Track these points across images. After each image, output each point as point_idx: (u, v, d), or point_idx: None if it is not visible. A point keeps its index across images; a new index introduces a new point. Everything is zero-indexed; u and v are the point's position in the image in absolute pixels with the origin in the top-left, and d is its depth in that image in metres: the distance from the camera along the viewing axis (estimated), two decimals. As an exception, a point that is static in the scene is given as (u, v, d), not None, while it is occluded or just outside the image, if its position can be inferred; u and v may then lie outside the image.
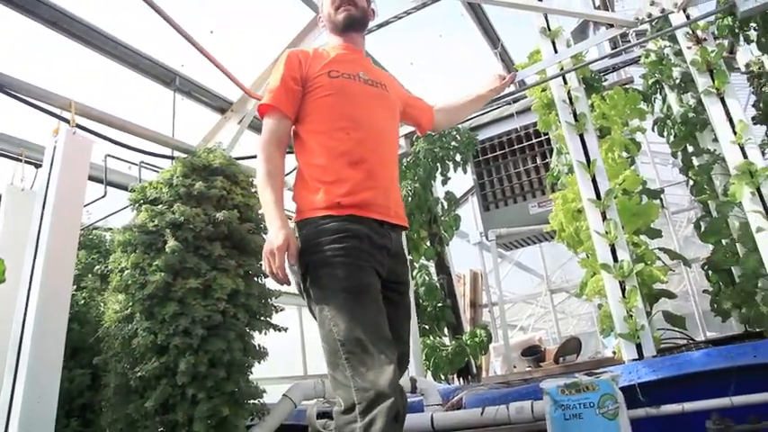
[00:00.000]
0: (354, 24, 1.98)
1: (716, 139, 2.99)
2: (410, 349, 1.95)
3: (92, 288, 3.18)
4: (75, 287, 2.95)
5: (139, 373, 2.45)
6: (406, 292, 1.90)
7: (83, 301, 3.13)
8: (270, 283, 3.19)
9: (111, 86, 4.03)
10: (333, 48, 1.98)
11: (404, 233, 2.31)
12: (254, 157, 4.16)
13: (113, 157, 3.36)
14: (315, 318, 1.66)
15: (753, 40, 3.68)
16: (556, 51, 3.17)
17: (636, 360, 2.56)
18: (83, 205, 2.79)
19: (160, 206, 2.80)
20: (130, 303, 2.61)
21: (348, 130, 1.76)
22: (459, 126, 4.82)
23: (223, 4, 4.26)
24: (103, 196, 3.33)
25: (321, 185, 1.71)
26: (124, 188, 3.21)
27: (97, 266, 3.14)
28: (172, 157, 3.41)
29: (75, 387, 2.85)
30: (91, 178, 2.93)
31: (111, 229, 3.48)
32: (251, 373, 2.79)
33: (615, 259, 2.72)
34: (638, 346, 2.59)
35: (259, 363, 2.86)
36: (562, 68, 3.12)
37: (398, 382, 1.52)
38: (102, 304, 3.04)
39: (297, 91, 1.81)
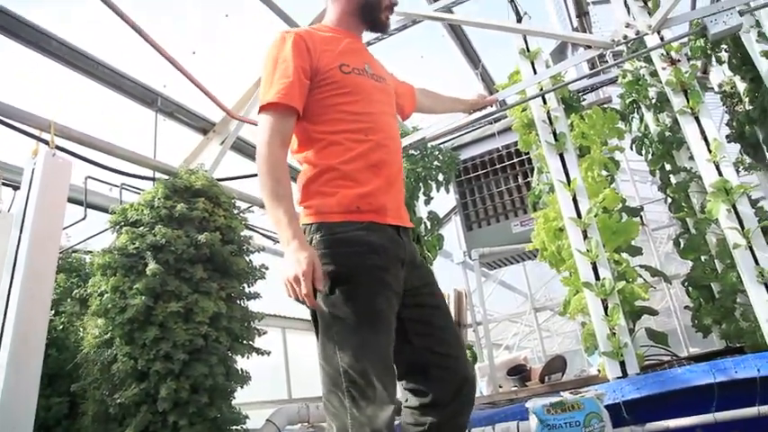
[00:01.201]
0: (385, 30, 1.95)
1: (692, 158, 3.05)
2: (464, 353, 1.76)
3: (70, 313, 3.13)
4: (53, 312, 2.89)
5: (119, 400, 2.40)
6: (436, 292, 1.75)
7: (61, 327, 3.07)
8: (252, 306, 3.17)
9: (93, 107, 4.00)
10: (339, 32, 1.80)
11: None
12: (237, 178, 4.18)
13: (94, 178, 3.33)
14: (316, 333, 1.55)
15: (724, 61, 3.79)
16: (535, 72, 3.22)
17: (620, 378, 2.57)
18: (62, 228, 2.75)
19: (141, 228, 2.78)
20: (110, 328, 2.57)
21: (366, 132, 1.64)
22: (442, 146, 4.86)
23: (206, 25, 4.27)
24: (83, 218, 3.28)
25: (338, 189, 1.58)
26: (105, 210, 3.18)
27: (76, 290, 3.09)
28: (153, 179, 3.38)
29: (51, 416, 2.78)
30: (70, 200, 2.89)
31: (90, 251, 3.44)
32: (234, 397, 2.75)
33: (597, 277, 2.74)
34: (622, 364, 2.60)
35: (242, 387, 2.83)
36: (541, 89, 3.17)
37: (394, 421, 1.44)
38: (80, 329, 2.99)
39: (307, 85, 1.63)
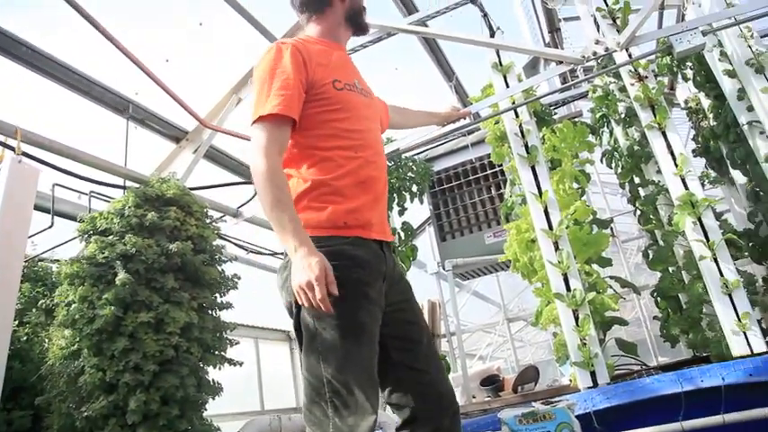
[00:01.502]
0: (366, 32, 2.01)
1: (660, 171, 3.12)
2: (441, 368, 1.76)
3: (35, 323, 3.04)
4: (16, 322, 2.81)
5: (86, 413, 2.34)
6: (414, 307, 1.79)
7: (25, 338, 2.98)
8: (225, 316, 3.13)
9: (61, 114, 3.93)
10: (327, 44, 1.83)
11: None
12: (210, 187, 4.14)
13: (62, 186, 3.26)
14: (300, 343, 1.56)
15: (689, 79, 3.91)
16: (507, 86, 3.28)
17: (591, 388, 2.60)
18: (27, 236, 2.68)
19: (111, 237, 2.73)
20: (77, 339, 2.51)
21: (356, 149, 1.67)
22: (416, 157, 4.89)
23: (180, 33, 4.24)
24: (50, 227, 3.21)
25: (327, 204, 1.60)
26: (73, 218, 3.12)
27: (42, 300, 3.01)
28: (124, 187, 3.33)
29: (13, 430, 2.69)
30: (37, 208, 2.83)
31: (57, 260, 3.36)
32: (205, 409, 2.71)
33: (568, 288, 2.78)
34: (593, 374, 2.63)
35: (213, 399, 2.78)
36: (514, 102, 3.22)
37: (375, 431, 1.46)
38: (46, 340, 2.90)
39: (303, 97, 1.64)
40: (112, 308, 2.49)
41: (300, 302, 1.47)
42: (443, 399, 1.67)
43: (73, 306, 2.56)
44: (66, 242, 3.38)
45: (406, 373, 1.66)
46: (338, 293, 1.46)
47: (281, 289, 1.63)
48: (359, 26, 1.92)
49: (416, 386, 1.65)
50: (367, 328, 1.53)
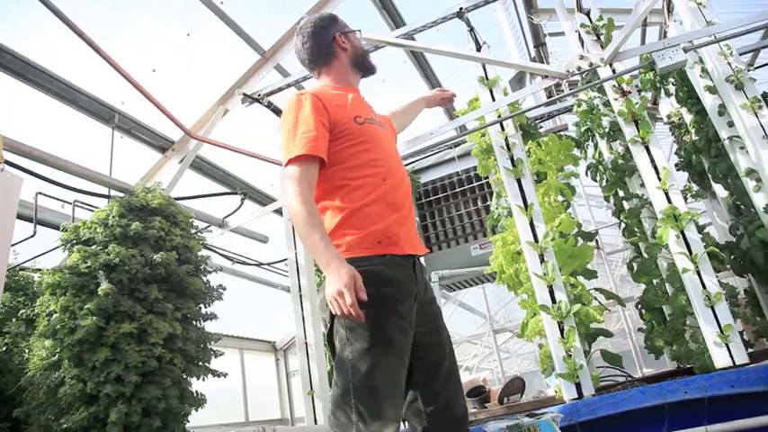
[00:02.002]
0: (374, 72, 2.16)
1: (643, 185, 3.16)
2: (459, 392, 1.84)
3: (15, 333, 2.99)
4: (-4, 333, 2.76)
5: (65, 425, 2.31)
6: (441, 329, 1.88)
7: (4, 348, 2.93)
8: (209, 327, 3.10)
9: (46, 122, 3.89)
10: (341, 88, 2.01)
11: None
12: (196, 197, 4.12)
13: (45, 195, 3.23)
14: (333, 352, 1.70)
15: (672, 94, 3.97)
16: (494, 99, 3.31)
17: (576, 399, 2.61)
18: (10, 245, 2.65)
19: (94, 247, 2.70)
20: (58, 349, 2.48)
21: (383, 175, 1.83)
22: (403, 169, 4.91)
23: (167, 44, 4.24)
24: (32, 236, 3.17)
25: (362, 227, 1.75)
26: (56, 228, 3.08)
27: (23, 310, 2.97)
28: (108, 197, 3.30)
29: (-9, 443, 2.64)
30: (20, 216, 2.80)
31: (39, 270, 3.31)
32: (188, 421, 2.67)
33: (553, 300, 2.80)
34: (578, 386, 2.64)
35: (196, 410, 2.75)
36: (500, 115, 3.25)
37: None
38: (26, 351, 2.85)
39: (327, 136, 1.82)
40: (94, 318, 2.46)
41: (334, 311, 1.59)
42: (456, 422, 1.77)
43: (54, 316, 2.52)
44: (49, 251, 3.34)
45: (423, 392, 1.76)
46: (370, 308, 1.58)
47: (320, 307, 1.78)
48: (366, 68, 2.12)
49: (432, 407, 1.75)
50: (395, 341, 1.65)
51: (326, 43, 2.04)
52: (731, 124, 3.10)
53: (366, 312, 1.57)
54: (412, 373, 1.75)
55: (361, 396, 1.57)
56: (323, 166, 1.80)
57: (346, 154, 1.83)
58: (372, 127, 1.92)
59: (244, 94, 3.92)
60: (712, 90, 3.20)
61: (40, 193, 3.23)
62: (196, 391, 2.77)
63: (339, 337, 1.67)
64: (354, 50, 2.08)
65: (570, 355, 2.67)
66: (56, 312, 2.54)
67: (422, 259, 1.96)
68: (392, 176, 1.86)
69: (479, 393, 4.05)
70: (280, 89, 3.94)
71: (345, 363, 1.62)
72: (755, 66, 4.10)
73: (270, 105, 4.02)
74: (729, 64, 3.04)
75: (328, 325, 1.73)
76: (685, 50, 2.78)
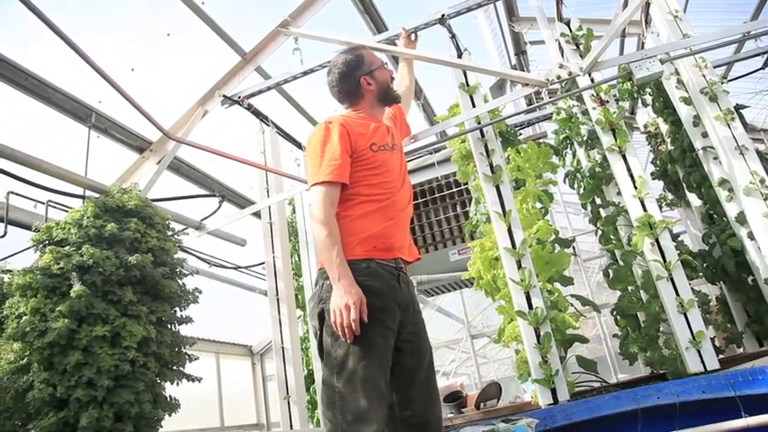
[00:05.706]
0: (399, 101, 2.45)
1: (620, 193, 3.21)
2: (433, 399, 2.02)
3: (-18, 336, 2.91)
4: (-38, 335, 2.69)
5: (33, 431, 2.24)
6: (421, 338, 2.04)
7: (-29, 351, 2.85)
8: (185, 330, 3.06)
9: (20, 120, 3.81)
10: (365, 119, 2.23)
11: None
12: (173, 199, 4.07)
13: (17, 194, 3.16)
14: (321, 356, 1.89)
15: (649, 104, 4.04)
16: (474, 105, 3.33)
17: (551, 405, 2.63)
18: (-21, 246, 2.59)
19: (67, 248, 2.65)
20: (27, 352, 2.42)
21: (388, 194, 2.09)
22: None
23: (146, 43, 4.18)
24: (3, 236, 3.10)
25: (358, 239, 1.96)
26: (28, 228, 3.01)
27: (-9, 312, 2.89)
28: (83, 197, 3.24)
29: (-45, 448, 2.57)
30: (-10, 217, 2.73)
31: (9, 271, 3.23)
32: (161, 426, 2.63)
33: (530, 306, 2.81)
34: (554, 391, 2.66)
35: (170, 415, 2.71)
36: (479, 122, 3.27)
37: None
38: (-7, 354, 2.78)
39: (350, 162, 2.06)
40: (66, 320, 2.40)
41: (334, 320, 1.79)
42: (427, 428, 1.93)
43: (24, 318, 2.46)
44: (20, 252, 3.26)
45: (399, 398, 1.92)
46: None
47: (310, 315, 2.00)
48: (390, 100, 2.37)
49: (404, 413, 1.92)
50: (378, 347, 1.83)
51: (353, 87, 2.27)
52: (705, 135, 3.17)
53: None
54: (391, 378, 1.88)
55: (344, 397, 1.75)
56: (344, 187, 2.03)
57: (361, 175, 2.07)
58: (386, 153, 2.16)
59: (224, 96, 3.89)
60: (687, 101, 3.27)
61: (12, 193, 3.16)
62: (170, 396, 2.73)
63: (326, 344, 1.86)
64: (379, 88, 2.28)
65: (546, 361, 2.69)
66: (26, 314, 2.48)
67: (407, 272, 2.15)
68: (394, 195, 2.12)
69: (456, 398, 4.05)
70: (260, 91, 3.91)
71: (330, 368, 1.82)
72: (729, 78, 4.18)
73: (250, 108, 3.99)
74: (704, 76, 3.11)
75: (318, 334, 1.90)
76: (662, 62, 2.83)
